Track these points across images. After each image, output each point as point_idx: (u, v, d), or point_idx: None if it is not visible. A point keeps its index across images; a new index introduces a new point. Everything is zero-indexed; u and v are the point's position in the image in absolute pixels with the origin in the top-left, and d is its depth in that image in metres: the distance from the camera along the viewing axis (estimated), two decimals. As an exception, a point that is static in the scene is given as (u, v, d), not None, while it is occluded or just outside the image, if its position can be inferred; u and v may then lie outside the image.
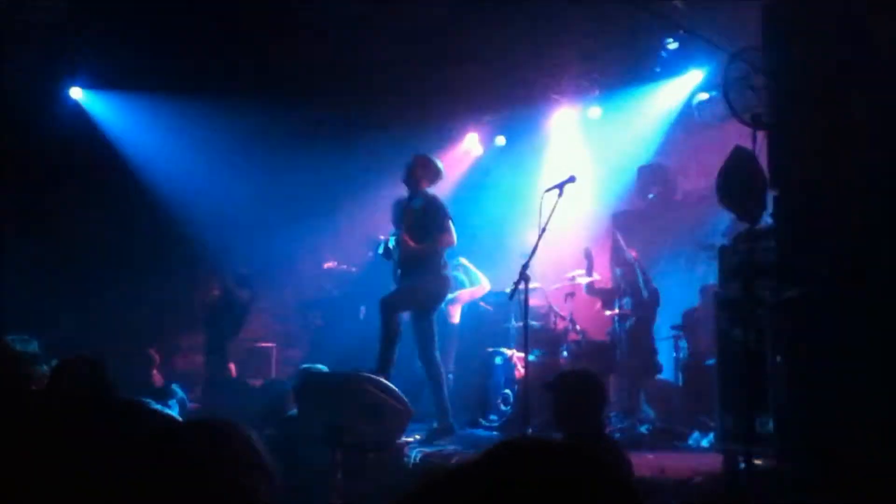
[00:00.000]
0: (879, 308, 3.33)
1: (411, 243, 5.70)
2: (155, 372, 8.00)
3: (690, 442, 5.87)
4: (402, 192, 6.09)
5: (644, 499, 0.96)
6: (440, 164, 6.14)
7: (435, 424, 5.69)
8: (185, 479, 1.11)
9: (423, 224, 5.76)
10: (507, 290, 5.81)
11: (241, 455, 1.20)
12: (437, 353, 5.85)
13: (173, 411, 5.10)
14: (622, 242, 7.02)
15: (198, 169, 8.88)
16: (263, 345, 8.79)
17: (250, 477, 1.19)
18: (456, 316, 7.59)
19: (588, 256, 7.14)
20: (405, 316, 5.93)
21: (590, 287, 7.18)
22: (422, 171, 5.90)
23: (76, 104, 8.86)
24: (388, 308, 5.72)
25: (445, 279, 5.91)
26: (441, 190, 8.68)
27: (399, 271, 5.87)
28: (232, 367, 7.98)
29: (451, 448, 5.42)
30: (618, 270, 7.06)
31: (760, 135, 4.31)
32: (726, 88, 4.91)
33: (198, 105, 8.36)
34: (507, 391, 6.55)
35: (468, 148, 10.14)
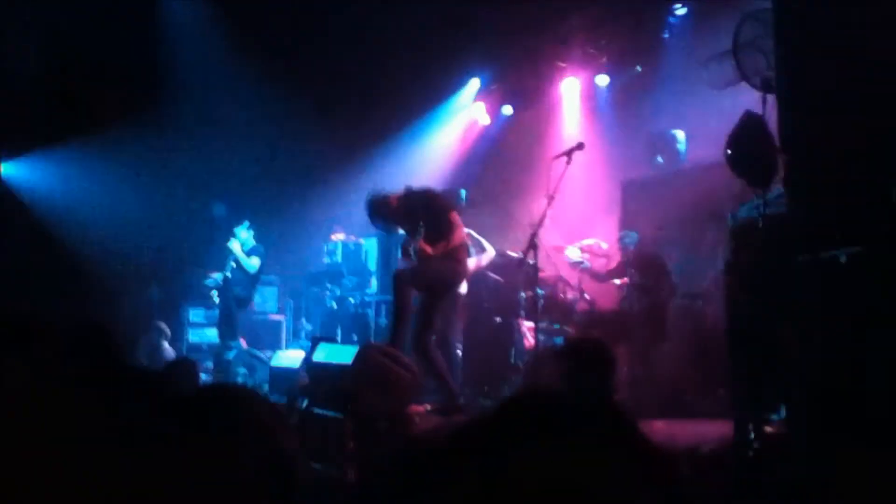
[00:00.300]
0: (893, 271, 3.30)
1: (429, 251, 5.55)
2: (166, 345, 8.07)
3: (701, 410, 5.87)
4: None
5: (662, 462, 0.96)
6: (372, 193, 5.87)
7: (442, 400, 5.67)
8: (213, 444, 1.11)
9: (431, 227, 5.61)
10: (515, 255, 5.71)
11: (264, 416, 1.20)
12: (429, 341, 5.66)
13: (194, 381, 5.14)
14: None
15: (207, 142, 8.87)
16: (274, 317, 8.83)
17: (275, 437, 1.19)
18: (463, 287, 7.56)
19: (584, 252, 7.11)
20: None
21: (595, 275, 7.16)
22: (385, 210, 5.73)
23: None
24: (399, 282, 5.70)
25: (458, 265, 5.77)
26: (449, 160, 8.68)
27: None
28: (242, 340, 8.03)
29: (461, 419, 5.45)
30: (633, 234, 7.06)
31: (770, 98, 4.25)
32: (736, 51, 4.84)
33: (208, 78, 8.33)
34: (517, 362, 6.57)
35: (475, 117, 10.08)
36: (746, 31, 4.61)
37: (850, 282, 3.20)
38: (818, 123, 4.02)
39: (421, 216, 5.63)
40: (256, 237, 8.26)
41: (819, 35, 3.98)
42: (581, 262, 7.11)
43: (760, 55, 4.65)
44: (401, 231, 5.85)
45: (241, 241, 8.13)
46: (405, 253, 5.80)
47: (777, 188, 4.21)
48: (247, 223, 8.17)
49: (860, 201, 3.53)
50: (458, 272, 5.79)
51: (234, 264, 8.07)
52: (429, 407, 5.70)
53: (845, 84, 3.82)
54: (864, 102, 3.78)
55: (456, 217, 5.66)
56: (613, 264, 7.39)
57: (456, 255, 5.69)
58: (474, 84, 9.85)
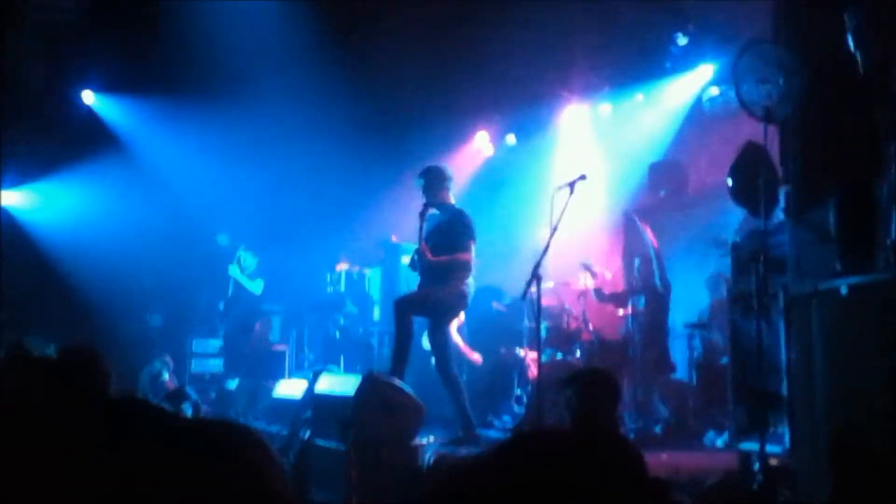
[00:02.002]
0: (894, 302, 3.28)
1: (429, 256, 5.69)
2: (168, 375, 8.05)
3: (705, 441, 5.83)
4: (416, 197, 6.06)
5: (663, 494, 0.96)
6: (448, 170, 6.11)
7: (460, 433, 5.65)
8: (198, 481, 1.10)
9: (445, 239, 5.74)
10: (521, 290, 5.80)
11: (252, 454, 1.19)
12: (453, 365, 5.81)
13: (186, 414, 5.12)
14: (640, 226, 6.97)
15: (211, 171, 8.94)
16: (277, 347, 8.82)
17: (263, 476, 1.17)
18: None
19: (587, 268, 7.14)
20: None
21: (599, 294, 7.16)
22: (436, 182, 5.87)
23: (89, 108, 8.94)
24: (400, 309, 5.72)
25: (461, 293, 5.83)
26: (455, 190, 8.71)
27: (420, 279, 5.88)
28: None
29: (464, 450, 5.41)
30: (636, 260, 7.04)
31: (772, 128, 4.27)
32: (737, 82, 4.87)
33: (211, 109, 8.40)
34: (521, 392, 6.54)
35: (479, 147, 10.13)
36: (745, 62, 4.64)
37: (851, 312, 3.19)
38: (821, 154, 4.04)
39: (452, 224, 5.74)
40: (259, 262, 8.33)
41: (823, 66, 4.02)
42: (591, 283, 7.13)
43: (761, 86, 4.68)
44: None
45: (244, 263, 8.20)
46: (413, 264, 5.92)
47: (778, 217, 4.22)
48: (244, 245, 8.25)
49: (860, 230, 3.53)
50: (460, 298, 5.83)
51: (235, 291, 8.12)
52: (432, 438, 5.67)
53: (847, 115, 3.84)
54: (866, 133, 3.79)
55: (471, 245, 5.76)
56: (618, 289, 7.38)
57: (457, 285, 5.73)
58: (482, 136, 9.97)
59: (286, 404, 6.43)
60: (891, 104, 3.67)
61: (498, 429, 6.47)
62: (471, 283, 5.87)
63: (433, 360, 5.86)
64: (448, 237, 5.76)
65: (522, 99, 9.38)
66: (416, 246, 5.89)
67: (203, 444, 1.16)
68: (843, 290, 3.19)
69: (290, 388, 6.74)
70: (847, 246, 3.60)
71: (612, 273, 7.42)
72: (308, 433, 5.33)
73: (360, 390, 5.20)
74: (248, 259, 8.31)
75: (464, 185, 9.84)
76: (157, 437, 1.20)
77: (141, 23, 7.81)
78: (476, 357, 7.18)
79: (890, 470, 2.88)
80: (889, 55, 3.71)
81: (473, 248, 5.80)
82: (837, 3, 3.94)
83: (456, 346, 6.95)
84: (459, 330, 7.06)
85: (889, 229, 3.47)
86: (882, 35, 3.75)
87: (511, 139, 9.93)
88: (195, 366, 8.29)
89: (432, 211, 5.89)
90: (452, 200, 6.00)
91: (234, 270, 8.17)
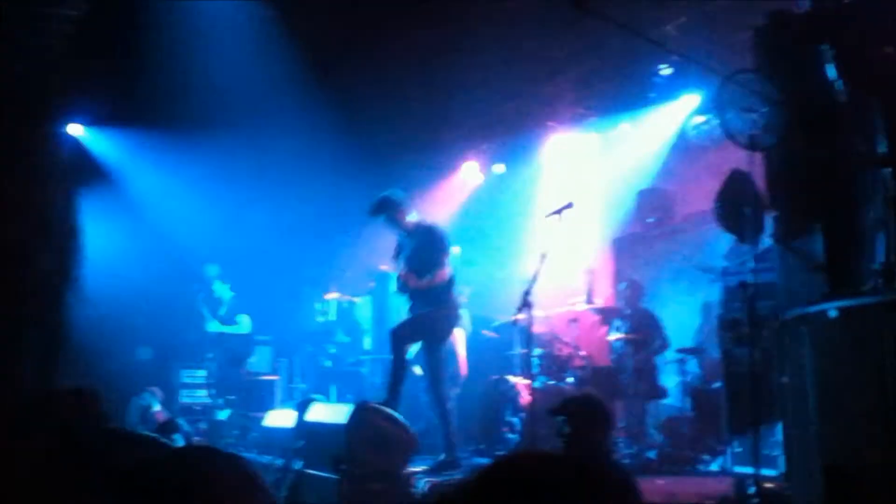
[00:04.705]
0: (886, 325, 3.33)
1: (412, 282, 5.74)
2: (159, 408, 7.97)
3: (700, 466, 5.83)
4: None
5: None
6: (396, 193, 6.10)
7: (441, 456, 5.66)
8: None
9: (423, 260, 5.80)
10: (511, 318, 5.84)
11: (238, 482, 1.19)
12: (446, 387, 5.84)
13: (178, 445, 5.07)
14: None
15: (199, 203, 8.93)
16: (268, 377, 8.76)
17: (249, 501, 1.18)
18: (462, 339, 7.54)
19: (590, 275, 7.21)
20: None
21: (589, 299, 7.23)
22: (392, 210, 5.92)
23: (75, 140, 8.95)
24: (397, 338, 5.74)
25: (452, 310, 5.90)
26: (441, 218, 8.75)
27: (410, 304, 5.91)
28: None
29: (458, 477, 5.39)
30: (622, 284, 7.12)
31: (757, 156, 4.35)
32: (721, 111, 4.97)
33: (199, 141, 8.42)
34: (513, 419, 6.53)
35: (467, 176, 10.22)
36: (728, 91, 4.74)
37: (839, 336, 3.24)
38: (804, 180, 4.12)
39: (422, 244, 5.79)
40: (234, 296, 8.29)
41: (800, 93, 4.11)
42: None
43: (744, 114, 4.77)
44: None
45: (217, 295, 8.17)
46: (399, 286, 5.95)
47: (765, 243, 4.29)
48: (218, 279, 8.21)
49: (846, 257, 3.60)
50: (451, 316, 5.90)
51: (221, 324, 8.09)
52: (424, 468, 5.65)
53: (829, 143, 3.92)
54: (848, 161, 3.88)
55: (446, 259, 5.82)
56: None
57: (447, 303, 5.78)
58: (470, 167, 10.06)
59: (277, 434, 6.38)
60: (870, 133, 3.76)
61: (490, 457, 6.45)
62: (459, 295, 5.94)
63: (426, 381, 5.86)
64: (425, 257, 5.79)
65: (510, 129, 9.48)
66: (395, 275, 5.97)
67: (187, 472, 1.16)
68: (832, 314, 3.24)
69: (280, 418, 6.70)
70: (835, 271, 3.66)
71: (602, 301, 7.46)
72: (301, 464, 5.29)
73: (352, 421, 5.18)
74: (224, 291, 8.26)
75: (453, 214, 9.91)
76: (142, 467, 1.20)
77: (127, 55, 7.85)
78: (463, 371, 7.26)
79: (879, 493, 2.91)
80: (867, 85, 3.81)
81: (447, 261, 5.83)
82: (817, 33, 4.04)
83: (456, 358, 7.01)
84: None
85: (875, 254, 3.54)
86: (860, 65, 3.86)
87: (499, 168, 10.03)
88: (184, 397, 8.22)
89: (406, 235, 5.94)
90: (416, 219, 6.00)
91: (206, 312, 8.14)
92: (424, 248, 5.82)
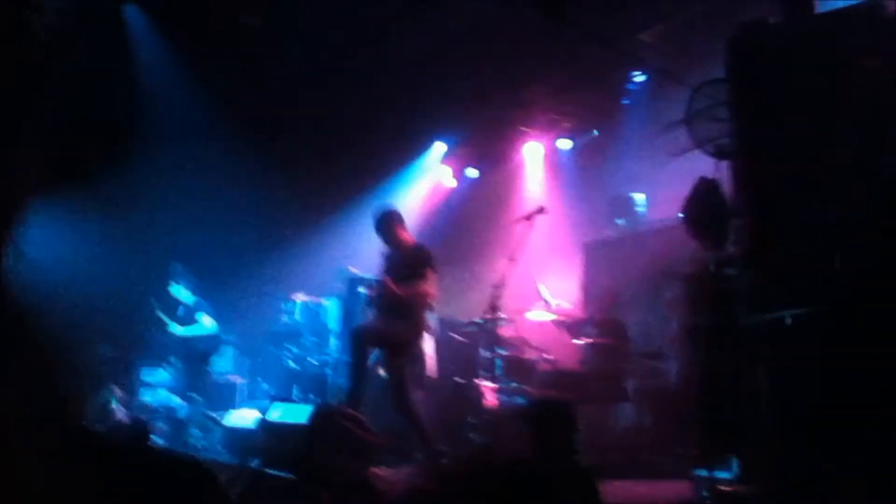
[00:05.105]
0: (846, 332, 3.38)
1: (390, 287, 5.69)
2: (117, 406, 7.82)
3: (659, 469, 5.85)
4: (372, 228, 6.11)
5: None
6: (396, 211, 6.20)
7: (421, 458, 5.60)
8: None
9: (407, 275, 5.77)
10: (479, 320, 5.82)
11: (195, 484, 1.16)
12: (409, 398, 5.77)
13: (145, 443, 4.96)
14: None
15: (163, 200, 8.81)
16: (231, 378, 8.65)
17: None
18: (430, 346, 7.51)
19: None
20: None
21: (557, 322, 7.23)
22: (388, 225, 5.94)
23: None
24: (358, 340, 5.69)
25: (417, 327, 5.87)
26: (414, 221, 8.73)
27: (380, 313, 5.88)
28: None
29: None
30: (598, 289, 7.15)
31: (723, 164, 4.39)
32: (690, 120, 5.01)
33: (160, 136, 8.32)
34: (476, 421, 6.50)
35: (441, 180, 10.21)
36: (698, 101, 4.79)
37: (796, 341, 3.27)
38: (768, 188, 4.16)
39: (406, 260, 5.79)
40: (201, 291, 8.16)
41: (770, 103, 4.16)
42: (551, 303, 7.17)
43: (713, 123, 4.82)
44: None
45: (178, 296, 8.04)
46: (370, 297, 5.91)
47: (729, 249, 4.32)
48: (175, 281, 8.08)
49: (807, 264, 3.64)
50: (416, 329, 5.83)
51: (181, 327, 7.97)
52: (386, 469, 5.60)
53: (795, 151, 3.97)
54: (813, 169, 3.92)
55: (432, 275, 5.78)
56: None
57: (416, 319, 5.75)
58: (440, 147, 10.02)
59: (238, 434, 6.29)
60: (837, 145, 3.81)
61: (452, 458, 6.41)
62: (428, 316, 5.92)
63: (389, 392, 5.82)
64: (409, 273, 5.76)
65: (484, 133, 9.51)
66: (372, 278, 5.93)
67: (156, 480, 1.13)
68: (788, 321, 3.27)
69: (241, 417, 6.61)
70: (791, 279, 3.70)
71: (571, 305, 7.48)
72: (257, 462, 5.21)
73: (314, 421, 5.12)
74: (180, 293, 8.11)
75: (425, 217, 9.90)
76: (107, 468, 1.16)
77: (102, 60, 7.73)
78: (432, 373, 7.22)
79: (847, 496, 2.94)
80: (839, 95, 3.86)
81: (433, 277, 5.82)
82: (789, 43, 4.10)
83: (423, 362, 6.97)
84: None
85: (832, 263, 3.59)
86: (832, 76, 3.91)
87: (473, 173, 10.04)
88: (145, 395, 8.07)
89: (395, 251, 5.93)
90: (406, 237, 6.02)
91: (164, 317, 8.02)
92: (410, 260, 5.81)
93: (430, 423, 6.73)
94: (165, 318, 7.94)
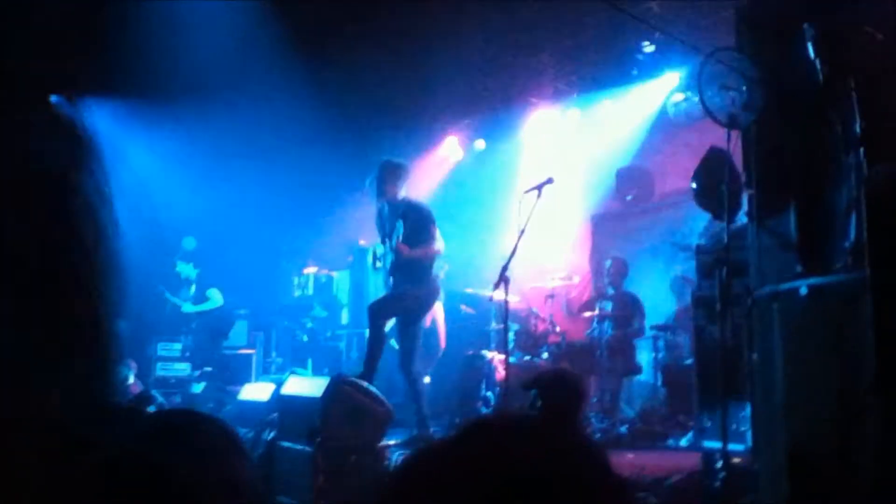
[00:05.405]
0: (855, 304, 3.37)
1: (405, 251, 5.65)
2: (133, 380, 7.93)
3: (670, 441, 5.90)
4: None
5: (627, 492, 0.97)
6: (405, 163, 6.04)
7: (415, 432, 5.68)
8: (165, 470, 1.09)
9: (412, 232, 5.73)
10: (488, 294, 5.83)
11: (218, 442, 1.18)
12: (418, 365, 5.83)
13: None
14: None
15: (176, 175, 8.83)
16: (244, 351, 8.74)
17: (231, 464, 1.16)
18: (440, 315, 7.54)
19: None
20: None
21: (570, 310, 7.25)
22: (391, 177, 5.84)
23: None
24: (375, 314, 5.72)
25: (434, 287, 5.88)
26: (422, 193, 8.72)
27: (390, 279, 5.86)
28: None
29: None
30: (607, 262, 7.14)
31: (735, 135, 4.35)
32: (701, 89, 4.96)
33: (176, 112, 8.30)
34: (488, 393, 6.56)
35: (448, 152, 10.17)
36: (709, 69, 4.73)
37: (809, 314, 3.27)
38: (781, 159, 4.13)
39: (410, 218, 5.73)
40: (207, 266, 8.21)
41: (784, 75, 4.11)
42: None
43: (724, 92, 4.77)
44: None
45: (185, 275, 8.07)
46: (375, 260, 5.90)
47: (742, 221, 4.31)
48: (178, 258, 8.11)
49: (820, 234, 3.62)
50: (432, 293, 5.89)
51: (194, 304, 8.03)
52: (398, 441, 5.67)
53: (807, 123, 3.93)
54: (824, 141, 3.89)
55: (436, 231, 5.75)
56: (585, 297, 7.44)
57: (429, 279, 5.77)
58: (452, 140, 9.99)
59: (252, 407, 6.37)
60: (847, 114, 3.77)
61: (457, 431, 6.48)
62: (438, 275, 5.92)
63: (399, 358, 5.86)
64: (413, 231, 5.72)
65: (491, 104, 9.44)
66: (380, 248, 5.90)
67: (167, 432, 1.15)
68: (803, 291, 3.27)
69: (256, 391, 6.69)
70: (807, 249, 3.69)
71: (580, 277, 7.49)
72: (272, 434, 5.29)
73: (327, 393, 5.18)
74: (188, 270, 8.15)
75: (433, 190, 9.89)
76: (125, 434, 1.19)
77: (102, 26, 7.69)
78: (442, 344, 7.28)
79: (838, 473, 2.95)
80: (846, 66, 3.82)
81: (439, 232, 5.79)
82: (798, 13, 4.04)
83: (436, 332, 7.02)
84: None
85: (847, 234, 3.57)
86: (840, 46, 3.86)
87: (480, 144, 9.99)
88: (160, 369, 8.18)
89: (390, 207, 5.85)
90: (403, 194, 5.87)
91: (175, 300, 8.06)
92: (415, 223, 5.74)
93: (440, 394, 6.81)
94: (176, 300, 8.00)
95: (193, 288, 8.18)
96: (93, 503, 1.02)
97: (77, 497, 1.03)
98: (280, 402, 5.65)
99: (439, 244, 5.75)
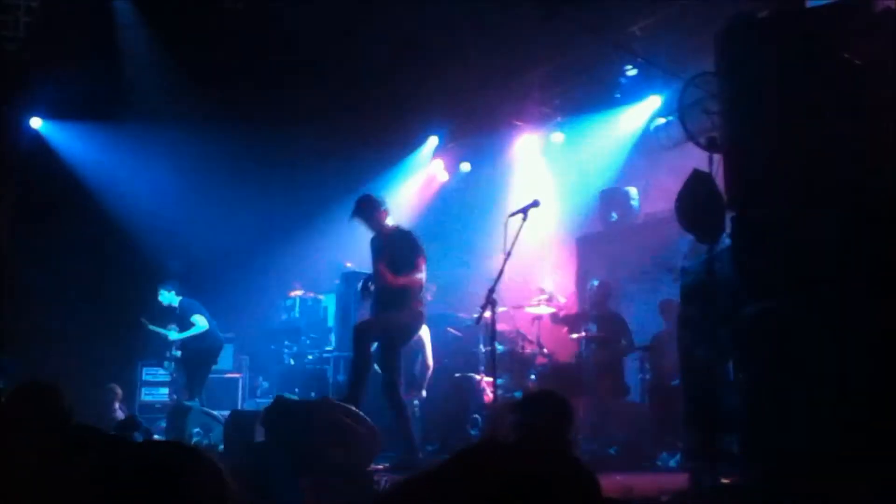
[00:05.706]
0: (836, 324, 3.42)
1: (389, 277, 5.69)
2: (118, 405, 7.86)
3: (658, 462, 5.91)
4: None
5: None
6: (378, 196, 6.14)
7: (402, 456, 5.65)
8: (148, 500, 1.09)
9: (397, 261, 5.77)
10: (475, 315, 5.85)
11: (207, 479, 1.18)
12: (401, 389, 5.83)
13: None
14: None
15: (163, 198, 8.82)
16: (230, 375, 8.68)
17: (218, 497, 1.17)
18: (426, 335, 7.52)
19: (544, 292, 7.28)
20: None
21: (554, 317, 7.25)
22: (371, 210, 5.91)
23: (36, 134, 8.78)
24: (359, 335, 5.72)
25: (418, 314, 5.90)
26: (407, 216, 8.75)
27: (376, 305, 5.89)
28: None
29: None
30: (592, 282, 7.18)
31: (717, 157, 4.42)
32: (682, 113, 5.04)
33: (163, 133, 8.32)
34: (476, 416, 6.55)
35: (434, 174, 10.22)
36: (690, 93, 4.81)
37: (791, 331, 3.31)
38: (762, 180, 4.19)
39: (398, 245, 5.78)
40: (190, 291, 8.15)
41: (759, 97, 4.18)
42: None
43: (705, 116, 4.84)
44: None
45: (166, 301, 7.98)
46: (365, 289, 5.91)
47: (725, 242, 4.35)
48: (161, 285, 8.04)
49: (802, 254, 3.67)
50: (417, 320, 5.90)
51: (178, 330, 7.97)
52: (386, 465, 5.64)
53: (788, 143, 4.00)
54: (805, 160, 3.95)
55: (423, 263, 5.79)
56: (573, 311, 7.47)
57: (413, 306, 5.78)
58: (432, 142, 10.03)
59: (239, 431, 6.31)
60: (829, 132, 3.84)
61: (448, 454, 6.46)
62: (423, 300, 5.94)
63: (382, 382, 5.84)
64: (400, 259, 5.77)
65: (477, 127, 9.52)
66: (366, 273, 5.94)
67: (153, 468, 1.15)
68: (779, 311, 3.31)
69: (242, 414, 6.63)
70: (784, 270, 3.74)
71: (566, 298, 7.52)
72: (257, 459, 5.24)
73: (314, 416, 5.15)
74: (169, 299, 8.06)
75: (418, 212, 9.92)
76: (110, 465, 1.19)
77: (90, 51, 7.72)
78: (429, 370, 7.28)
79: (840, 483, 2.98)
80: (829, 87, 3.89)
81: (425, 265, 5.83)
82: (778, 36, 4.12)
83: (423, 357, 7.01)
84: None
85: (825, 254, 3.62)
86: (822, 68, 3.93)
87: (465, 167, 10.06)
88: (145, 395, 8.10)
89: (382, 236, 5.93)
90: (392, 223, 5.99)
91: (161, 330, 8.00)
92: (401, 249, 5.80)
93: (429, 417, 6.79)
94: (160, 330, 7.94)
95: (177, 314, 8.12)
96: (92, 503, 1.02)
97: (77, 497, 1.04)
98: (265, 426, 5.60)
99: (419, 276, 5.77)
